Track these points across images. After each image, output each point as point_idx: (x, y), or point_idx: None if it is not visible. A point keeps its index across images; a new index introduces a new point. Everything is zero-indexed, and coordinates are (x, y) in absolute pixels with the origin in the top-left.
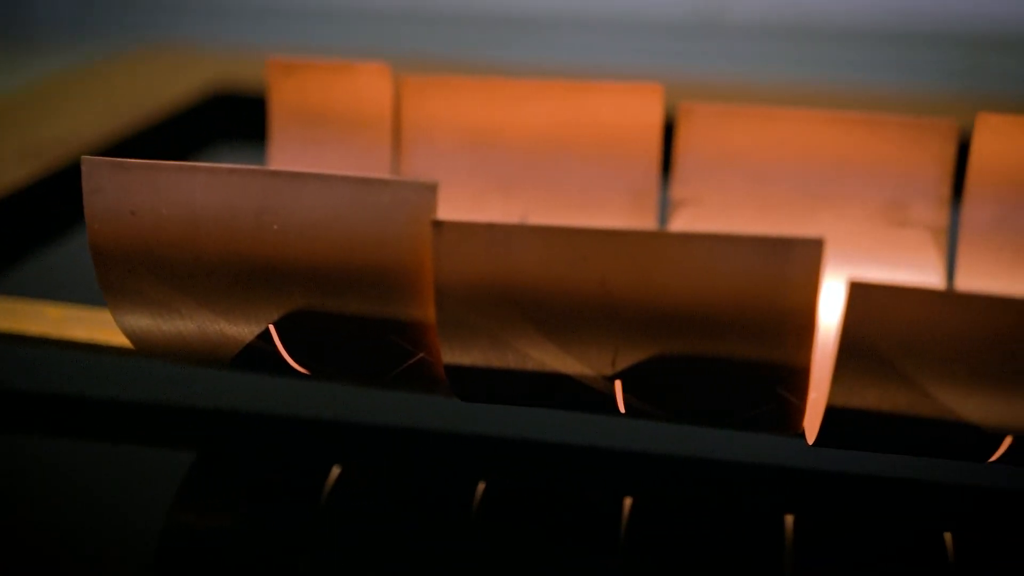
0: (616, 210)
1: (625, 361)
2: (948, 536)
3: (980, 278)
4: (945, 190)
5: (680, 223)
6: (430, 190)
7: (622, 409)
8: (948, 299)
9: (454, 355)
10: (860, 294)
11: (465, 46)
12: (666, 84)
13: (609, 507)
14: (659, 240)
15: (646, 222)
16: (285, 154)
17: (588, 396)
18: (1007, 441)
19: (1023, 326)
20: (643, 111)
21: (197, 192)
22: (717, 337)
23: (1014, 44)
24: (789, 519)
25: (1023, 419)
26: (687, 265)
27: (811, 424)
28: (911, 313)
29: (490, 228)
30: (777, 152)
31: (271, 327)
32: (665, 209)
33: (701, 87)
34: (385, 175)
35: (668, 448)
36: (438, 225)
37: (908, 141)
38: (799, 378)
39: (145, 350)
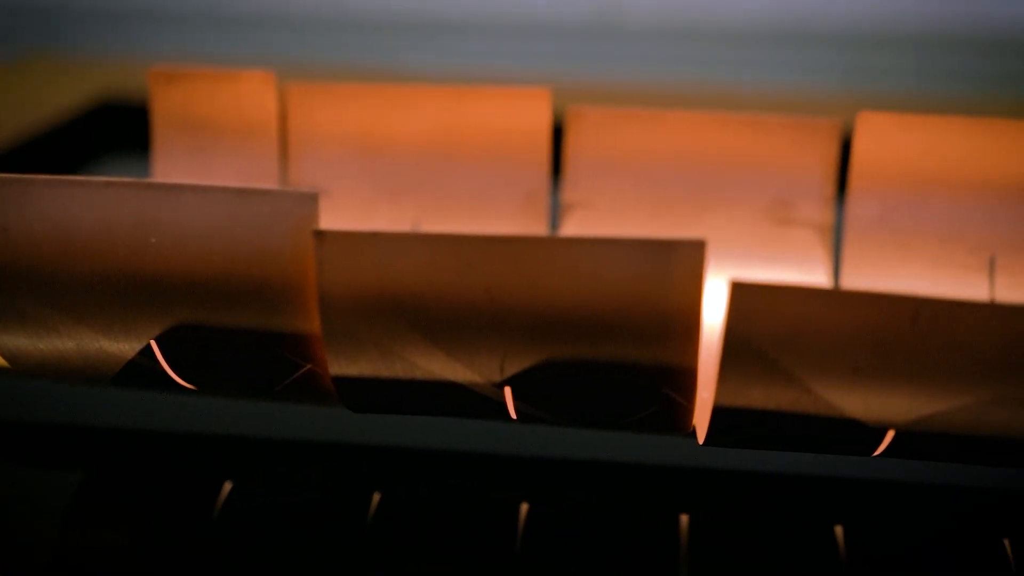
0: (507, 215)
1: (513, 367)
2: (839, 530)
3: (865, 275)
4: (829, 189)
5: (571, 226)
6: (311, 199)
7: (513, 415)
8: (826, 297)
9: (341, 366)
10: (741, 294)
11: (353, 51)
12: (562, 87)
13: (505, 513)
14: (543, 245)
15: (537, 226)
16: (170, 165)
17: (478, 403)
18: (890, 435)
19: (899, 321)
20: (531, 115)
21: (72, 207)
22: (604, 340)
23: (898, 42)
24: (684, 519)
25: (903, 413)
26: (571, 270)
27: (701, 423)
28: (791, 311)
29: (373, 237)
30: (666, 154)
31: (153, 343)
32: (556, 213)
33: (598, 90)
34: (273, 185)
35: (563, 452)
36: (320, 235)
37: (792, 141)
38: (686, 379)
39: (22, 370)
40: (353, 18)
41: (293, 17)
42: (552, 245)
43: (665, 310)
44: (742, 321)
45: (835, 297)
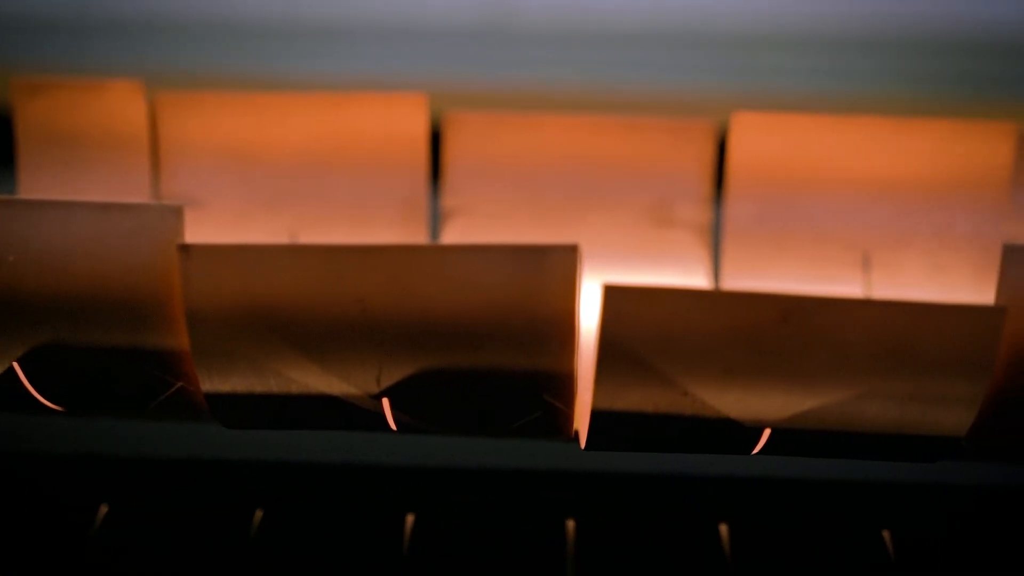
0: (386, 223)
1: (390, 378)
2: (724, 528)
3: (744, 274)
4: (707, 189)
5: (452, 233)
6: (176, 213)
7: (393, 426)
8: (698, 297)
9: (213, 383)
10: (614, 297)
11: (225, 59)
12: (450, 92)
13: (392, 524)
14: (415, 254)
15: (417, 234)
16: (36, 180)
17: (357, 415)
18: (766, 433)
19: (770, 320)
20: (408, 122)
21: None
22: (480, 348)
23: (778, 42)
24: (571, 524)
25: (779, 411)
26: (445, 278)
27: (584, 428)
28: (664, 313)
29: (241, 250)
30: (545, 158)
31: (15, 365)
32: (437, 220)
33: (484, 94)
34: (145, 198)
35: (448, 461)
36: (185, 249)
37: (669, 142)
38: (564, 384)
39: None
40: (224, 24)
41: (161, 23)
42: (425, 253)
43: (540, 316)
44: (615, 324)
45: (707, 298)
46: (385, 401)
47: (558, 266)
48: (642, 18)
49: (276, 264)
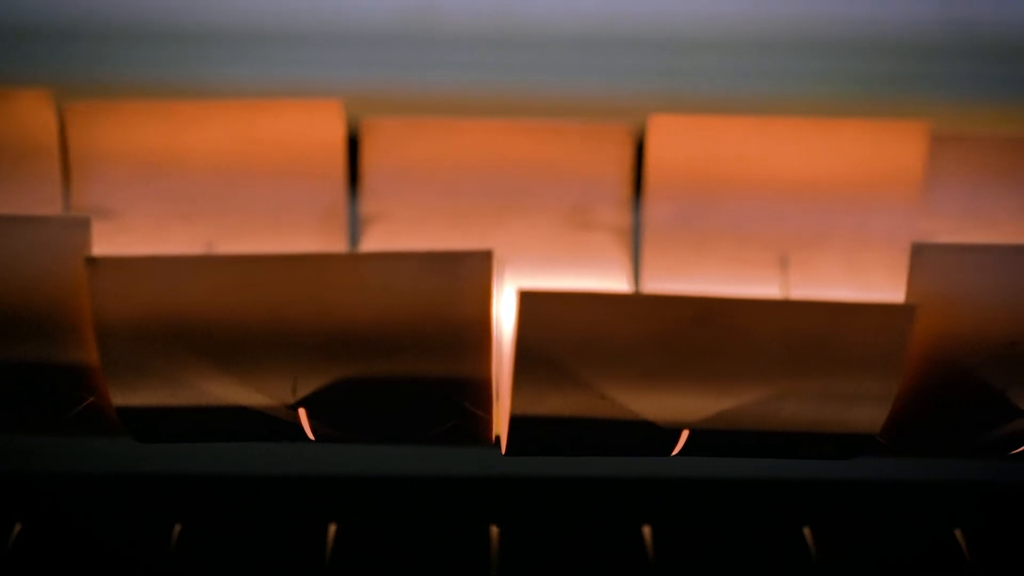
0: (305, 231)
1: (306, 388)
2: (647, 530)
3: (664, 276)
4: (626, 192)
5: (371, 240)
6: (83, 225)
7: (311, 436)
8: (614, 301)
9: (124, 397)
10: (529, 302)
11: (137, 65)
12: (372, 97)
13: (314, 533)
14: (329, 262)
15: (337, 242)
16: None
17: (273, 426)
18: (684, 434)
19: (685, 322)
20: (324, 128)
21: None
22: (396, 356)
23: (700, 44)
24: (495, 530)
25: (696, 412)
26: (359, 286)
27: (504, 433)
28: (580, 317)
29: (151, 261)
30: (464, 162)
31: None
32: (356, 227)
33: (407, 98)
34: (56, 210)
35: (370, 469)
36: (92, 262)
37: (588, 146)
38: (482, 390)
39: None
40: (137, 31)
41: (72, 30)
42: (338, 261)
43: (456, 322)
44: (531, 329)
45: (622, 301)
46: (302, 411)
47: (472, 272)
48: (561, 21)
49: (187, 275)
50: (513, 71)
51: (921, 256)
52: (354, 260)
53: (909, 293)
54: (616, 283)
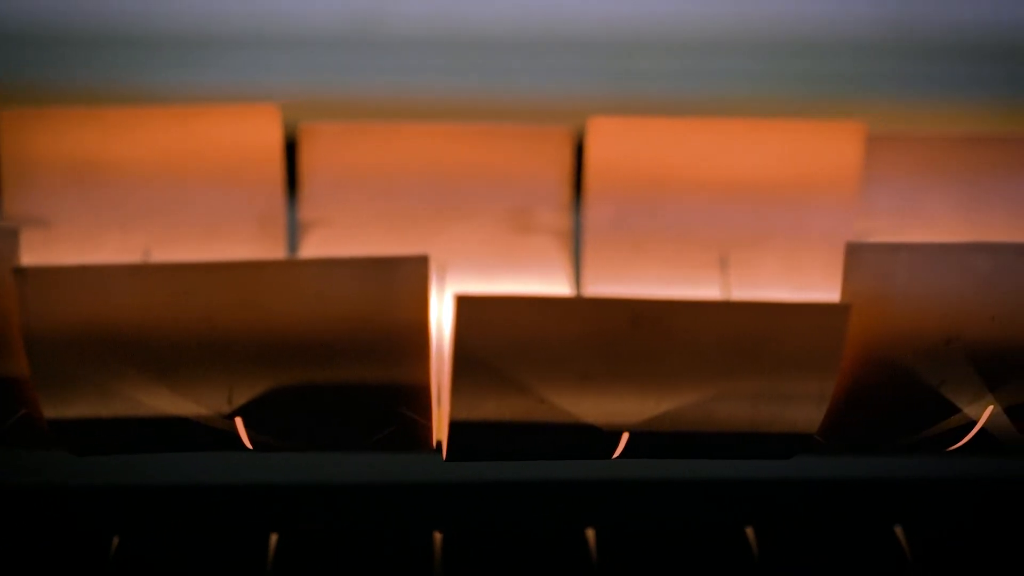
0: (243, 238)
1: (242, 397)
2: (591, 533)
3: (605, 278)
4: (566, 194)
5: (310, 246)
6: (11, 235)
7: (249, 445)
8: (550, 304)
9: (56, 409)
10: (466, 307)
11: (71, 70)
12: (312, 101)
13: (255, 543)
14: (263, 269)
15: (275, 248)
16: None
17: (210, 436)
18: (624, 437)
19: (621, 325)
20: (261, 133)
21: None
22: (333, 363)
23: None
24: (438, 536)
25: (635, 415)
26: (294, 292)
27: (445, 439)
28: (518, 321)
29: (81, 271)
30: (403, 167)
31: None
32: (295, 233)
33: (352, 103)
34: None
35: (312, 476)
36: (20, 272)
37: (528, 149)
38: (421, 396)
39: None
40: (70, 35)
41: (1, 35)
42: (273, 268)
43: (393, 328)
44: (470, 334)
45: (559, 304)
46: (238, 420)
47: (409, 277)
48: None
49: (119, 284)
50: (454, 74)
51: (855, 256)
52: (289, 267)
53: (844, 293)
54: (557, 286)
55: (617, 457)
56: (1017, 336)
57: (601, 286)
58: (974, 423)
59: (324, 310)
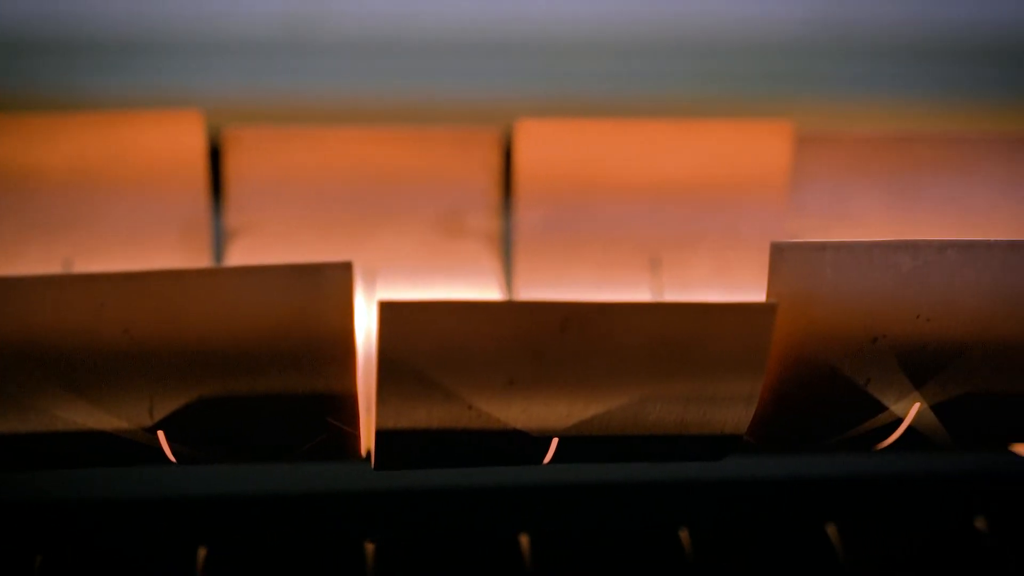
0: (167, 246)
1: (164, 410)
2: (524, 539)
3: (537, 281)
4: (496, 197)
5: (237, 254)
6: None
7: (172, 458)
8: (476, 309)
9: None
10: (390, 313)
11: None
12: (241, 107)
13: (183, 557)
14: (182, 279)
15: (199, 256)
16: None
17: (131, 450)
18: (554, 442)
19: (549, 329)
20: (184, 139)
21: None
22: (257, 373)
23: (574, 47)
24: (370, 547)
25: (564, 419)
26: (215, 302)
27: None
28: (443, 327)
29: None
30: (332, 172)
31: None
32: (221, 240)
33: (278, 107)
34: None
35: (241, 488)
36: None
37: (456, 152)
38: (347, 405)
39: None
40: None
41: None
42: (192, 277)
43: (318, 337)
44: (394, 341)
45: (484, 309)
46: (160, 434)
47: (333, 284)
48: (433, 27)
49: (37, 296)
50: (387, 77)
51: (780, 255)
52: (209, 276)
53: (770, 292)
54: (488, 290)
55: (548, 462)
56: (942, 333)
57: (533, 289)
58: (901, 420)
59: (247, 319)
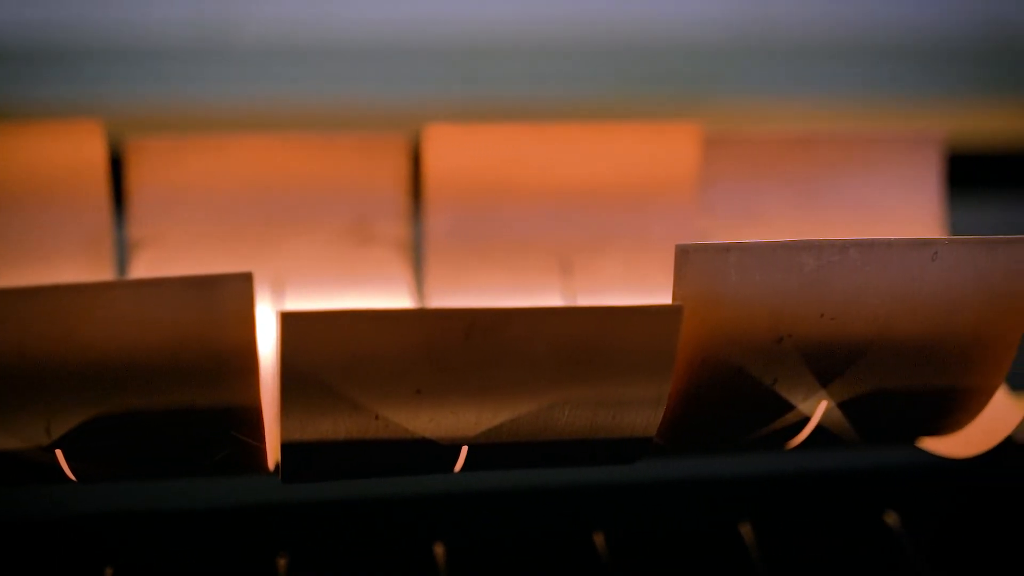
0: (69, 259)
1: (61, 428)
2: (439, 549)
3: (448, 288)
4: (405, 204)
5: (141, 267)
6: None
7: (72, 476)
8: (379, 318)
9: None
10: (292, 324)
11: None
12: (144, 115)
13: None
14: (77, 294)
15: (102, 270)
16: None
17: (29, 470)
18: (464, 450)
19: (454, 336)
20: (84, 149)
21: None
22: (158, 389)
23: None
24: (282, 562)
25: (472, 427)
26: (112, 317)
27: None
28: (347, 336)
29: None
30: (238, 181)
31: None
32: (124, 252)
33: (182, 116)
34: None
35: (149, 504)
36: None
37: (364, 158)
38: (251, 418)
39: None
40: None
41: None
42: (87, 292)
43: (219, 350)
44: (297, 352)
45: (388, 318)
46: (59, 453)
47: (233, 296)
48: (340, 31)
49: None
50: (292, 83)
51: (685, 257)
52: (106, 290)
53: (675, 295)
54: (399, 297)
55: (459, 471)
56: (845, 332)
57: (444, 296)
58: (809, 419)
59: (145, 334)
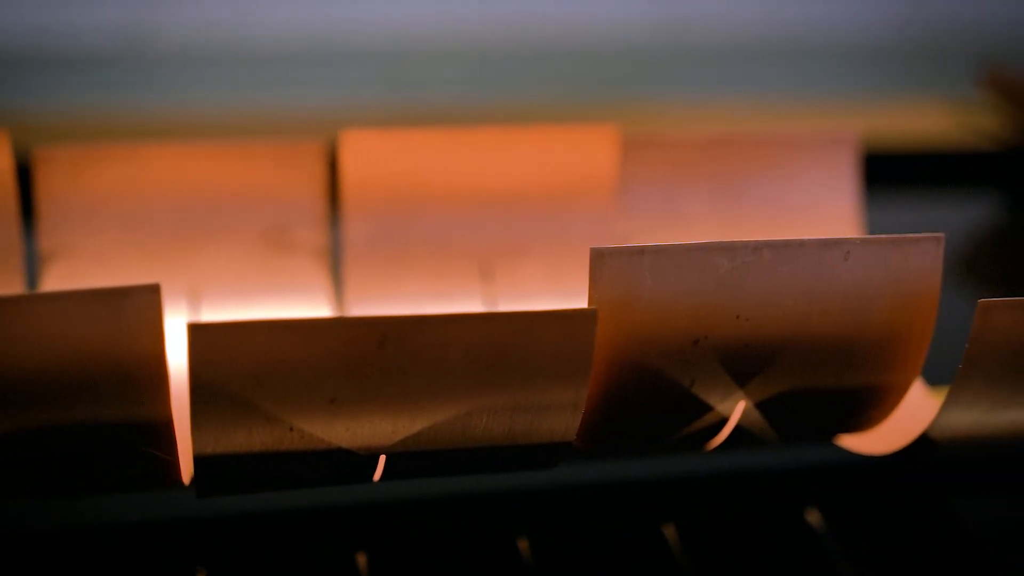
0: None
1: None
2: (362, 558)
3: (368, 295)
4: (322, 211)
5: (53, 279)
6: None
7: None
8: (290, 328)
9: None
10: (200, 336)
11: None
12: (68, 124)
13: None
14: None
15: (11, 282)
16: None
17: None
18: (382, 459)
19: (367, 345)
20: None
21: None
22: (66, 405)
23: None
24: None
25: (390, 436)
26: (16, 332)
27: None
28: (258, 347)
29: None
30: (151, 190)
31: None
32: (35, 265)
33: (105, 125)
34: None
35: (56, 520)
36: None
37: (280, 165)
38: (163, 432)
39: None
40: None
41: None
42: None
43: (127, 364)
44: (207, 364)
45: (300, 328)
46: None
47: (140, 308)
48: (256, 36)
49: None
50: (206, 90)
51: (600, 261)
52: (10, 304)
53: (591, 298)
54: (319, 305)
55: (379, 480)
56: (760, 332)
57: (364, 303)
58: (727, 420)
59: (52, 348)
